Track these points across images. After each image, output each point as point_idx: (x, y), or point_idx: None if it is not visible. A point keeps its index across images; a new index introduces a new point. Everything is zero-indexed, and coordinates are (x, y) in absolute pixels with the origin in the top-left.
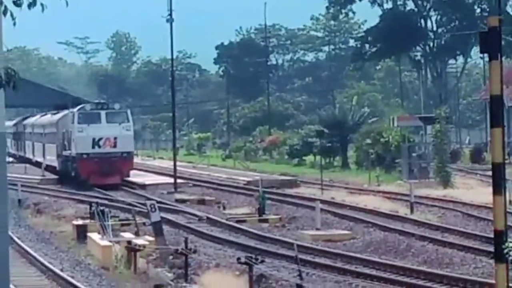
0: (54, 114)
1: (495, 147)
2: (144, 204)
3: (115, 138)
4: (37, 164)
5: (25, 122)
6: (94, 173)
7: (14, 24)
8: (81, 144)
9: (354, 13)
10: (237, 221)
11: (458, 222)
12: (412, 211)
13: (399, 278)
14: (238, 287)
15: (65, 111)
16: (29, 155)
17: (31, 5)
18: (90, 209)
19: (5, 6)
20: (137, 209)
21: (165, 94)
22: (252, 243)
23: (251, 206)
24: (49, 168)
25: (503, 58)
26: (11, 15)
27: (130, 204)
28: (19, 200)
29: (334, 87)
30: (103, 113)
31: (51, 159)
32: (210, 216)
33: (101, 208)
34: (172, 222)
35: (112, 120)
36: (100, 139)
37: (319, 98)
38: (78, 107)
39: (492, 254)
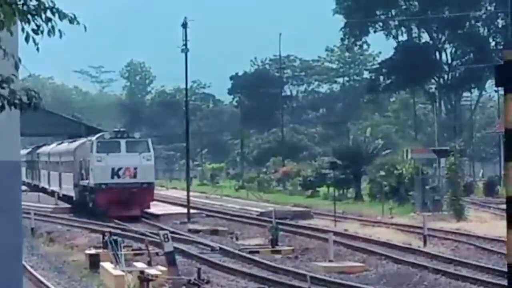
0: (71, 142)
1: (510, 180)
2: (157, 234)
3: (135, 168)
4: (53, 194)
5: (40, 150)
6: (113, 204)
7: (38, 49)
8: (99, 174)
9: (368, 45)
10: (250, 252)
11: (472, 255)
12: (425, 244)
13: None
14: None
15: (83, 139)
16: (44, 184)
17: (50, 32)
18: (103, 238)
19: (27, 33)
20: (150, 239)
21: (179, 124)
22: (265, 274)
23: (264, 237)
24: (65, 198)
25: None
26: (34, 41)
27: (143, 234)
28: (32, 229)
29: (348, 118)
30: (123, 142)
31: (68, 189)
32: (223, 246)
33: (114, 237)
34: (185, 252)
35: (132, 150)
36: (119, 169)
37: (333, 129)
38: (97, 135)
39: None
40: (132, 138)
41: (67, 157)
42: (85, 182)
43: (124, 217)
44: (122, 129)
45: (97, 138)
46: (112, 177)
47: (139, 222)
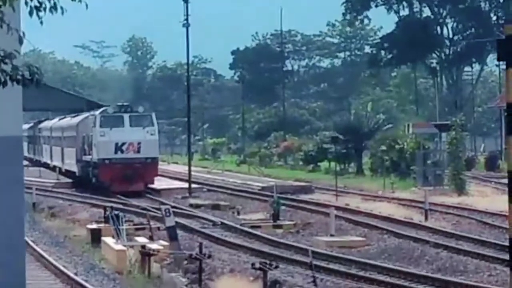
0: (74, 117)
1: (511, 155)
2: (159, 209)
3: (139, 143)
4: (55, 169)
5: (42, 125)
6: (117, 179)
7: (41, 23)
8: (103, 149)
9: (370, 19)
10: (252, 227)
11: (473, 229)
12: (426, 218)
13: (413, 285)
14: None
15: (86, 114)
16: (46, 159)
17: (52, 9)
18: (105, 213)
19: (31, 7)
20: (152, 213)
21: (180, 99)
22: (266, 248)
23: (265, 211)
24: (68, 174)
25: None
26: (37, 15)
27: (144, 209)
28: (34, 204)
29: (350, 93)
30: (126, 116)
31: (70, 164)
32: (225, 221)
33: (116, 212)
34: (187, 227)
35: (136, 124)
36: (123, 144)
37: (335, 104)
38: (100, 109)
39: (507, 262)
40: (136, 112)
41: (69, 132)
42: (88, 157)
43: (128, 193)
44: (125, 103)
45: (100, 113)
46: (116, 152)
47: (142, 197)
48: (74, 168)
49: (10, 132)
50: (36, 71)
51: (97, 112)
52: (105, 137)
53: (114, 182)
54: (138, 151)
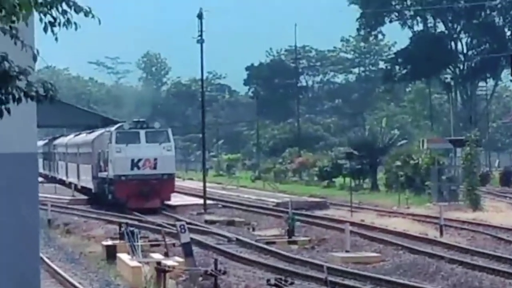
0: (90, 133)
1: None
2: (174, 225)
3: (155, 159)
4: (71, 186)
5: (57, 141)
6: (133, 196)
7: (56, 39)
8: (119, 165)
9: (384, 35)
10: (267, 243)
11: (488, 245)
12: (441, 234)
13: None
14: None
15: (101, 130)
16: (62, 176)
17: (66, 24)
18: (120, 229)
19: (45, 23)
20: (167, 230)
21: (195, 115)
22: (281, 265)
23: (280, 227)
24: (83, 190)
25: None
26: (52, 31)
27: (159, 225)
28: (49, 220)
29: (364, 109)
30: (142, 132)
31: (86, 181)
32: (240, 237)
33: (131, 228)
34: (202, 243)
35: (152, 140)
36: (139, 160)
37: (349, 120)
38: (116, 125)
39: None
40: (152, 128)
41: (85, 148)
42: (104, 174)
43: (144, 209)
44: (141, 119)
45: (116, 129)
46: (132, 169)
47: (157, 213)
48: (90, 185)
49: (25, 149)
50: (50, 87)
51: (113, 128)
52: (121, 153)
53: (130, 199)
54: (155, 167)
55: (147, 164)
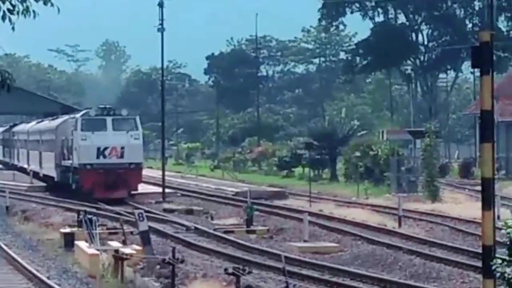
0: (53, 119)
1: (485, 162)
2: (132, 213)
3: (122, 148)
4: (34, 175)
5: (18, 128)
6: (99, 186)
7: (13, 29)
8: (84, 153)
9: (345, 25)
10: (225, 232)
11: (446, 236)
12: (400, 225)
13: None
14: None
15: (66, 117)
16: (23, 163)
17: (24, 12)
18: (78, 217)
19: (4, 11)
20: (125, 218)
21: (155, 104)
22: (239, 254)
23: (239, 217)
24: (46, 179)
25: (494, 74)
26: (10, 20)
27: (118, 213)
28: (7, 207)
29: (324, 99)
30: (109, 119)
31: (49, 169)
32: (198, 226)
33: (89, 216)
34: (160, 231)
35: (119, 128)
36: (105, 148)
37: (309, 110)
38: (82, 112)
39: (479, 269)
40: (119, 115)
41: (48, 135)
42: (68, 162)
43: (110, 200)
44: (108, 106)
45: (81, 115)
46: (98, 157)
47: (123, 204)
48: (53, 173)
49: None
50: (7, 76)
51: (78, 115)
52: (86, 141)
53: (96, 189)
54: (122, 156)
55: (114, 153)
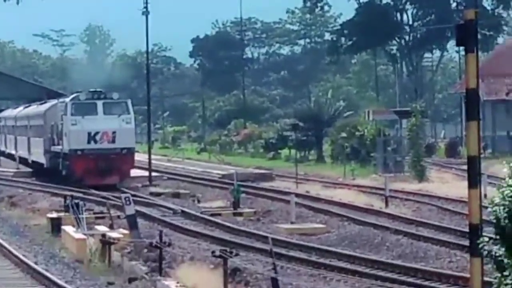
0: (41, 104)
1: (471, 140)
2: (119, 197)
3: (114, 132)
4: (22, 161)
5: (4, 114)
6: (90, 172)
7: None
8: (74, 138)
9: (330, 6)
10: (212, 215)
11: (433, 216)
12: (387, 205)
13: (374, 272)
14: (213, 280)
15: (54, 101)
16: (10, 150)
17: None
18: (65, 202)
19: None
20: (112, 202)
21: (141, 87)
22: (226, 236)
23: (226, 199)
24: (35, 165)
25: (479, 52)
26: None
27: (104, 197)
28: None
29: (310, 80)
30: (100, 103)
31: (38, 155)
32: (185, 209)
33: (76, 201)
34: (147, 215)
35: (110, 112)
36: (96, 133)
37: (295, 91)
38: (72, 96)
39: (467, 248)
40: (110, 99)
41: (36, 120)
42: (57, 148)
43: (102, 186)
44: (98, 90)
45: (71, 99)
46: (89, 142)
47: (116, 190)
48: (42, 159)
49: None
50: None
51: (67, 99)
52: (77, 126)
53: (87, 175)
54: (113, 141)
55: (105, 138)
